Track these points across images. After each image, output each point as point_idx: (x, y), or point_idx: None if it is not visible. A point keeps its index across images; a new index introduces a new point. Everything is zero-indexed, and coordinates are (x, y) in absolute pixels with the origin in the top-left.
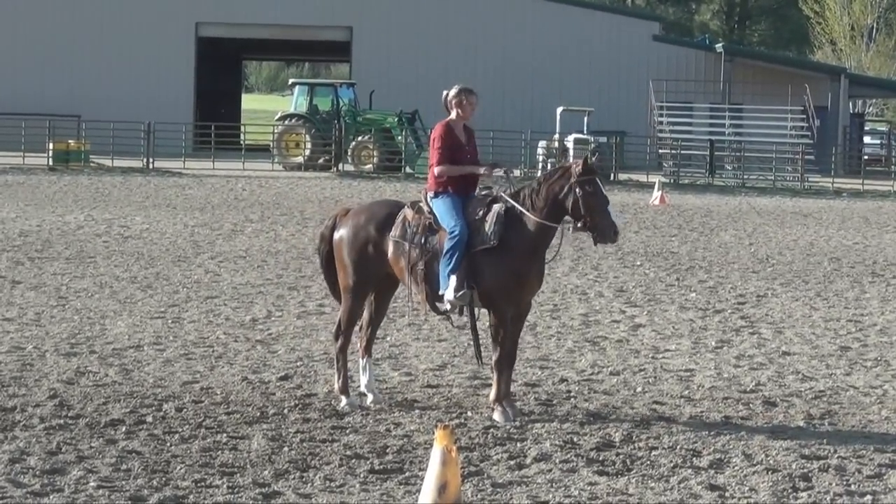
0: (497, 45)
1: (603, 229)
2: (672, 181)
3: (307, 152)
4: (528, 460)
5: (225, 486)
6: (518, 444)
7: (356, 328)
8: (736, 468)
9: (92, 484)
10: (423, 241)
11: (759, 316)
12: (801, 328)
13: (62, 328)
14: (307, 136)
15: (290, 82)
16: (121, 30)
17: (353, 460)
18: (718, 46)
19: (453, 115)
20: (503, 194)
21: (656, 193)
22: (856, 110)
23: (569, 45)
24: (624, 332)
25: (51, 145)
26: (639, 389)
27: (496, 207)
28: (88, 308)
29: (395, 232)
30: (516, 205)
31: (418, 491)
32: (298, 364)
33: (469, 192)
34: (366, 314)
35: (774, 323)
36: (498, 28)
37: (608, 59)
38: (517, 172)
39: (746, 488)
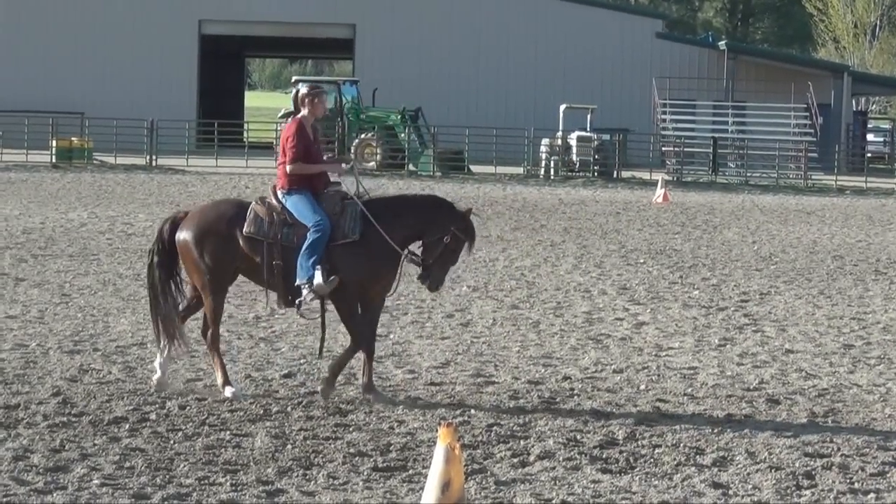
0: (500, 41)
1: (435, 278)
2: (675, 179)
3: None
4: (532, 458)
5: (228, 483)
6: (521, 442)
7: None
8: (739, 466)
9: (95, 482)
10: (278, 235)
11: (763, 314)
12: (804, 326)
13: (65, 325)
14: None
15: (292, 80)
16: (124, 27)
17: (357, 458)
18: (722, 44)
19: (305, 112)
20: (358, 201)
21: (659, 191)
22: (859, 108)
23: (572, 42)
24: (627, 329)
25: (54, 143)
26: (642, 387)
27: (353, 206)
28: (92, 305)
29: (248, 228)
30: (371, 218)
31: (422, 489)
32: (302, 361)
33: (319, 188)
34: (184, 304)
35: (777, 321)
36: (501, 25)
37: (611, 56)
38: (368, 164)
39: (750, 486)
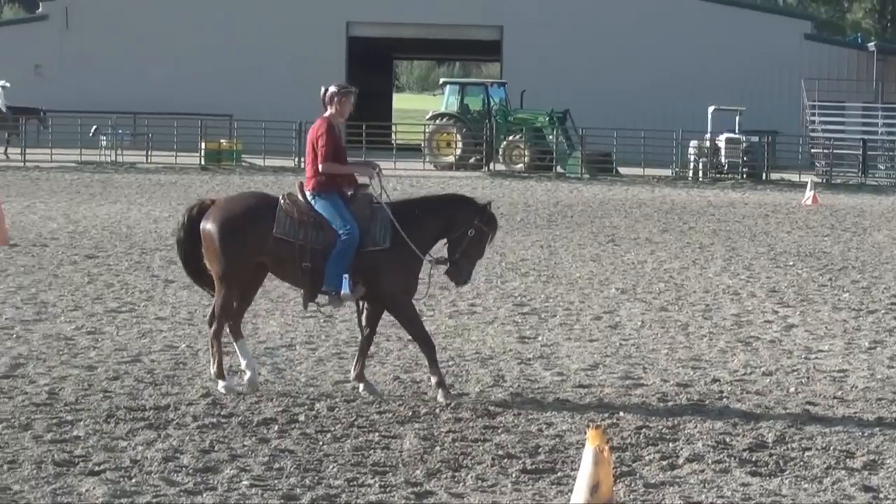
0: (648, 43)
1: (461, 272)
2: (824, 181)
3: (458, 152)
4: (681, 460)
5: (377, 485)
6: (670, 445)
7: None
8: (890, 469)
9: (245, 482)
10: (309, 238)
11: None
12: None
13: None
14: (458, 135)
15: (441, 81)
16: (273, 29)
17: (505, 460)
18: (871, 45)
19: (332, 111)
20: (385, 207)
21: (808, 193)
22: None
23: (720, 44)
24: (776, 332)
25: (203, 145)
26: (791, 390)
27: (382, 211)
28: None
29: (278, 229)
30: (398, 227)
31: (570, 491)
32: (450, 363)
33: (346, 189)
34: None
35: None
36: (649, 27)
37: (760, 58)
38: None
39: None
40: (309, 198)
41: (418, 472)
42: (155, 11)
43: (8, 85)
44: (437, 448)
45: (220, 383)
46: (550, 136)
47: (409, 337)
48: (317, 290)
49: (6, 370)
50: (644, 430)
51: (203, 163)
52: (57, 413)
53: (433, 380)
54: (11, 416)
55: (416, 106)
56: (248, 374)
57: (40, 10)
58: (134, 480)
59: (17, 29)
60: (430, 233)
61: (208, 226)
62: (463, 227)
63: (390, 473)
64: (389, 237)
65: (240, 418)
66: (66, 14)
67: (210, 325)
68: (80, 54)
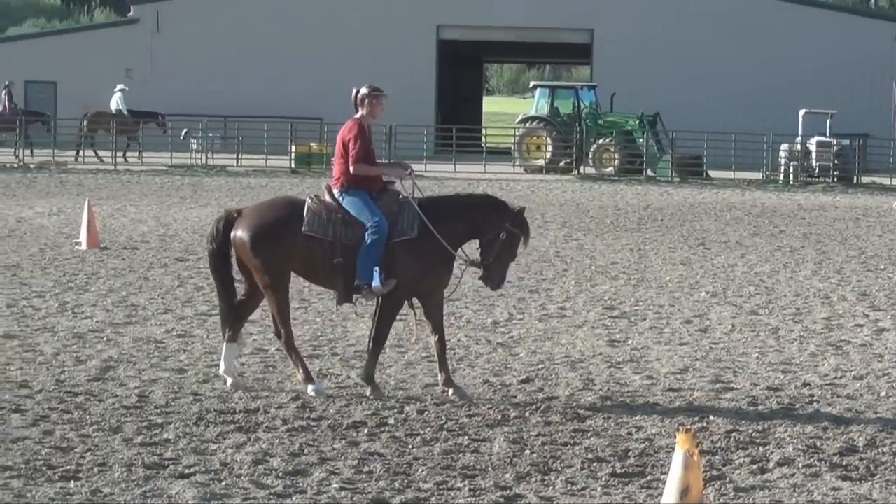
0: (738, 47)
1: (495, 277)
2: None
3: (548, 155)
4: (771, 464)
5: (466, 488)
6: (760, 449)
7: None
8: None
9: (334, 486)
10: (338, 234)
11: None
12: None
13: (304, 330)
14: (548, 138)
15: (531, 85)
16: (362, 33)
17: (595, 463)
18: None
19: (363, 113)
20: (412, 201)
21: None
22: None
23: (811, 47)
24: (867, 336)
25: (293, 148)
26: (882, 394)
27: (409, 205)
28: (330, 310)
29: (307, 227)
30: (427, 223)
31: (660, 495)
32: (540, 367)
33: (375, 190)
34: (239, 303)
35: None
36: (738, 30)
37: (851, 60)
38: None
39: None
40: (337, 196)
41: (508, 475)
42: (245, 15)
43: (126, 89)
44: (527, 451)
45: (310, 388)
46: (640, 140)
47: (376, 320)
48: (350, 288)
49: (96, 373)
50: (734, 433)
51: (293, 166)
52: (147, 416)
53: (364, 372)
54: (102, 418)
55: (506, 109)
56: (228, 381)
57: (131, 13)
58: (224, 483)
59: (108, 32)
60: (458, 230)
61: (238, 235)
62: (494, 231)
63: (480, 477)
64: (417, 227)
65: (329, 421)
66: (156, 18)
67: (280, 338)
68: (170, 58)
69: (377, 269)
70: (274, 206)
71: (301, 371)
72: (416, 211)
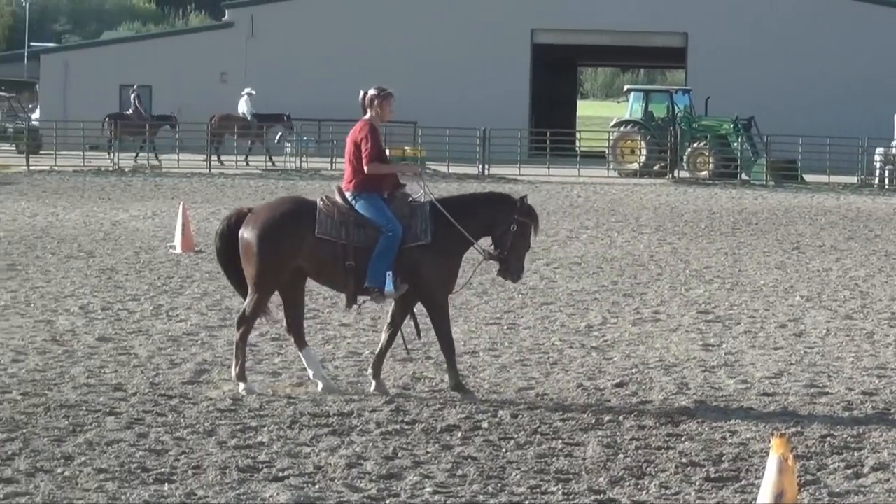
0: (833, 50)
1: (513, 269)
2: None
3: (642, 159)
4: (866, 469)
5: (560, 492)
6: (855, 453)
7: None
8: None
9: (428, 489)
10: (351, 237)
11: None
12: None
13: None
14: (642, 142)
15: (625, 88)
16: (457, 37)
17: (689, 468)
18: None
19: (373, 114)
20: (433, 199)
21: None
22: None
23: None
24: None
25: (387, 152)
26: None
27: (421, 207)
28: (424, 314)
29: (319, 228)
30: (447, 214)
31: (754, 499)
32: (634, 371)
33: (387, 191)
34: (286, 310)
35: None
36: (834, 33)
37: None
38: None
39: None
40: (349, 198)
41: (601, 479)
42: (339, 18)
43: (254, 93)
44: (621, 455)
45: (241, 385)
46: (735, 143)
47: (435, 333)
48: (359, 290)
49: (191, 376)
50: (829, 438)
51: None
52: (241, 419)
53: (450, 382)
54: (196, 421)
55: (601, 113)
56: (319, 385)
57: (226, 17)
58: (317, 486)
59: (202, 37)
60: (471, 228)
61: (246, 234)
62: (504, 224)
63: (573, 481)
64: (430, 232)
65: (423, 425)
66: (251, 22)
67: (238, 328)
68: (264, 62)
69: (390, 273)
70: (283, 206)
71: (237, 367)
72: (428, 214)
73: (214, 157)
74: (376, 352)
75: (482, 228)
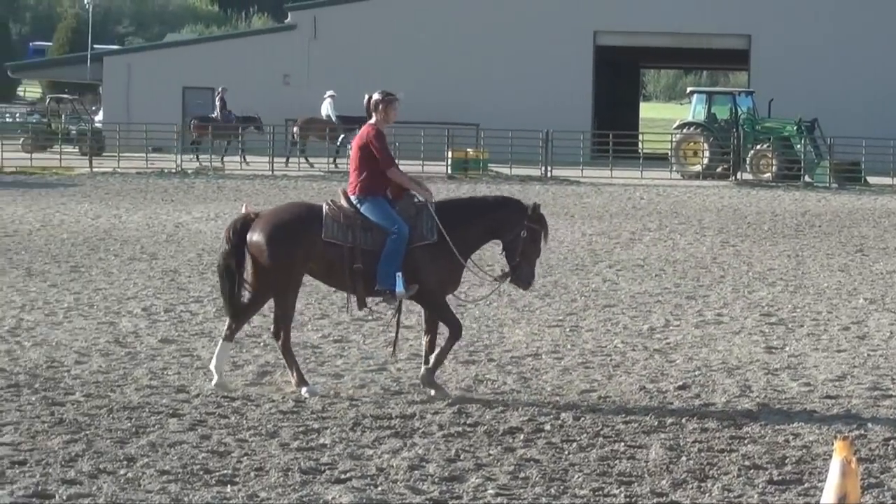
0: None
1: (525, 276)
2: None
3: (705, 161)
4: None
5: (623, 495)
6: None
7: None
8: None
9: (490, 491)
10: (358, 240)
11: None
12: None
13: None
14: (705, 144)
15: (688, 91)
16: (520, 39)
17: (752, 471)
18: None
19: (378, 118)
20: (429, 205)
21: None
22: None
23: None
24: None
25: (450, 153)
26: None
27: (427, 208)
28: (487, 316)
29: (327, 233)
30: (443, 231)
31: (817, 503)
32: (696, 373)
33: (390, 193)
34: (246, 303)
35: None
36: None
37: None
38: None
39: None
40: (354, 201)
41: (664, 482)
42: (401, 20)
43: (336, 95)
44: (683, 458)
45: (304, 389)
46: (798, 146)
47: (443, 323)
48: (369, 292)
49: (253, 378)
50: (892, 441)
51: (450, 171)
52: (304, 421)
53: (431, 362)
54: (259, 423)
55: (663, 115)
56: (215, 378)
57: (289, 19)
58: (380, 489)
59: (265, 39)
60: (475, 231)
61: (255, 237)
62: (514, 230)
63: (636, 483)
64: (436, 231)
65: (485, 427)
66: (314, 24)
67: (277, 339)
68: (327, 64)
69: (399, 274)
70: (290, 210)
71: (295, 374)
72: (434, 214)
73: (302, 160)
74: (423, 361)
75: (489, 232)
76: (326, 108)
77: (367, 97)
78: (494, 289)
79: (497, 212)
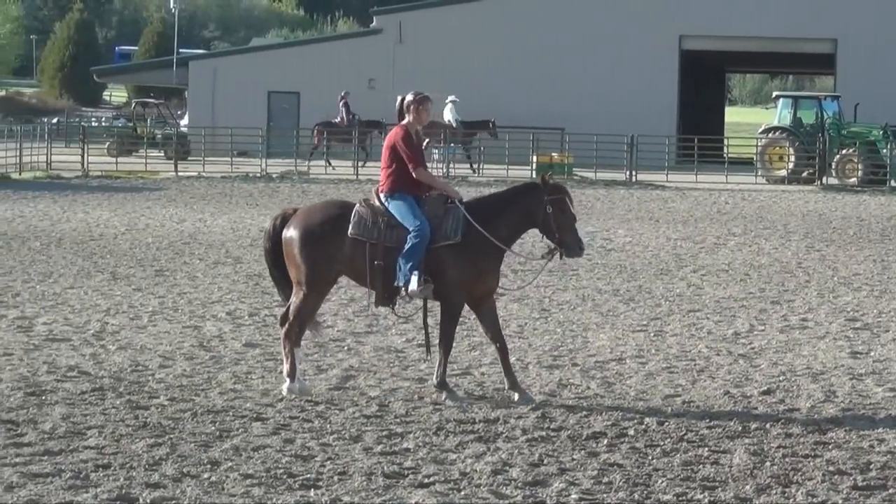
0: None
1: (571, 245)
2: None
3: (791, 165)
4: None
5: (706, 500)
6: None
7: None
8: None
9: (574, 496)
10: (381, 237)
11: None
12: None
13: (544, 340)
14: (791, 149)
15: (773, 95)
16: (605, 44)
17: (836, 476)
18: None
19: (409, 119)
20: (459, 205)
21: None
22: None
23: None
24: None
25: (535, 158)
26: None
27: (455, 209)
28: (571, 320)
29: (353, 230)
30: (475, 223)
31: None
32: (781, 379)
33: (420, 192)
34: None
35: None
36: None
37: None
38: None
39: None
40: (383, 199)
41: (748, 487)
42: (486, 25)
43: (458, 100)
44: (767, 463)
45: (286, 384)
46: (884, 150)
47: (439, 328)
48: (388, 291)
49: (337, 382)
50: None
51: (534, 176)
52: (387, 425)
53: (435, 380)
54: (342, 427)
55: (749, 119)
56: (292, 385)
57: (374, 24)
58: (463, 493)
59: (351, 43)
60: (508, 224)
61: (288, 234)
62: (539, 211)
63: (720, 488)
64: (461, 232)
65: (569, 432)
66: (399, 28)
67: (282, 325)
68: (412, 68)
69: (416, 272)
70: (324, 209)
71: (288, 365)
72: (461, 215)
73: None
74: (501, 367)
75: (522, 223)
76: (448, 114)
77: (399, 98)
78: (544, 266)
79: (518, 202)
